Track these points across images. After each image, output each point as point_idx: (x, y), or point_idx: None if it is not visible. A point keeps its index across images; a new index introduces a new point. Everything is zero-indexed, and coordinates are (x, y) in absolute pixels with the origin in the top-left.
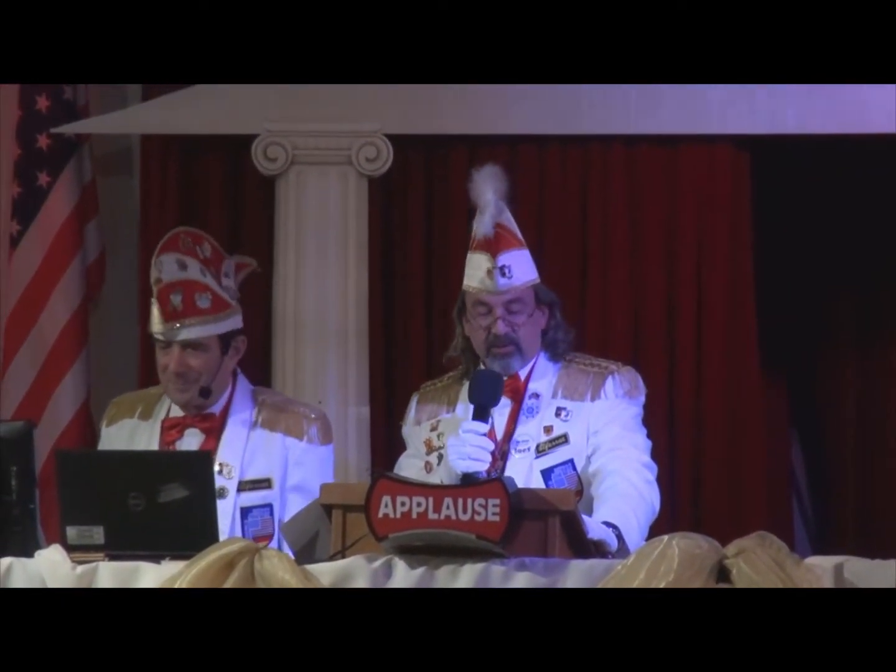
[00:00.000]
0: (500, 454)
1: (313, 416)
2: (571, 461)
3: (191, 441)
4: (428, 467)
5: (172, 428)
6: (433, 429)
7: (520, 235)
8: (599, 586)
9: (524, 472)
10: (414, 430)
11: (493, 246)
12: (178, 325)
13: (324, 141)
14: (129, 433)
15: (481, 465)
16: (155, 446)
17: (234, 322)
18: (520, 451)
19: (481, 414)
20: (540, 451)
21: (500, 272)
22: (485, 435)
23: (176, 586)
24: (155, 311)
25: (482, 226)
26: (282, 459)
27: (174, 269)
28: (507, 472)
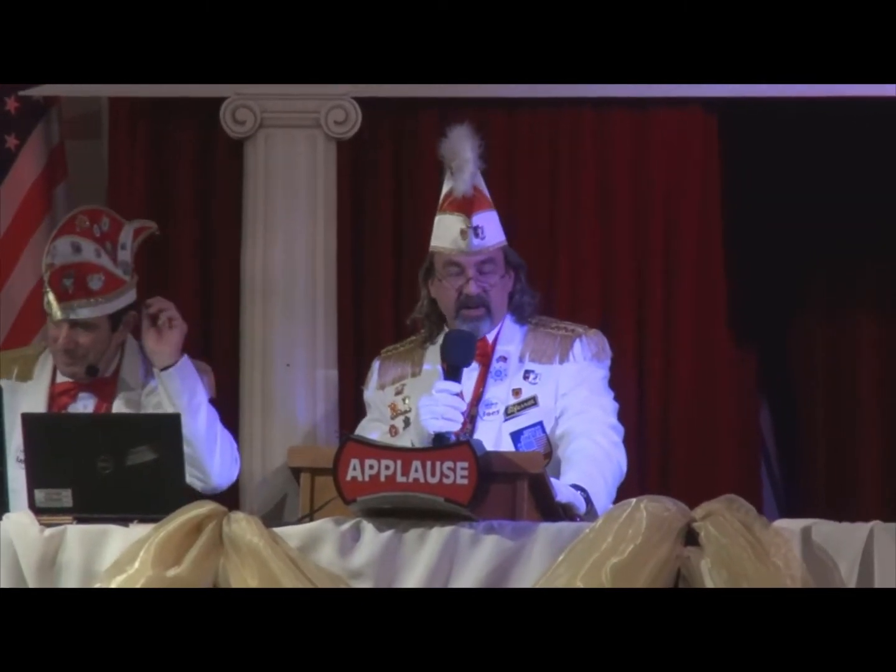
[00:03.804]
0: (469, 417)
1: (204, 368)
2: (541, 423)
3: (85, 404)
4: (393, 431)
5: (63, 394)
6: (398, 392)
7: (490, 197)
8: (567, 549)
9: (493, 434)
10: (377, 394)
11: (468, 206)
12: (69, 306)
13: (292, 104)
14: (9, 394)
15: (454, 425)
16: (42, 409)
17: (127, 298)
18: (489, 414)
19: (454, 374)
20: (509, 414)
21: (474, 233)
22: (457, 395)
23: (144, 549)
24: (49, 296)
25: (460, 184)
26: None
27: (68, 252)
28: (477, 435)
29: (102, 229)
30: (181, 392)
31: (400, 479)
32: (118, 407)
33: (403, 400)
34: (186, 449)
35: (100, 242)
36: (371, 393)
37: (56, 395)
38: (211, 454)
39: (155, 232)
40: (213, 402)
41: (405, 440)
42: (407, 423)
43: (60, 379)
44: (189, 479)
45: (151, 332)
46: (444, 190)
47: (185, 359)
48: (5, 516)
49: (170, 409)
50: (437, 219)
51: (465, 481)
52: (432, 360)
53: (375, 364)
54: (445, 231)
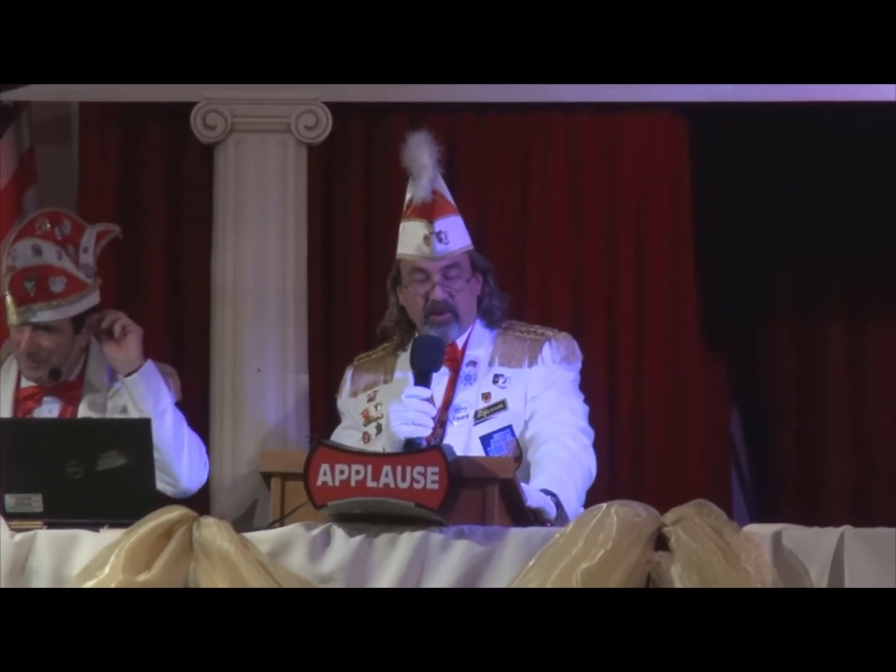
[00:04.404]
0: (440, 422)
1: (168, 371)
2: (510, 427)
3: (50, 408)
4: (366, 438)
5: (28, 398)
6: (370, 399)
7: (453, 202)
8: (538, 554)
9: (463, 439)
10: (350, 401)
11: (429, 212)
12: (30, 308)
13: (263, 109)
14: None
15: (424, 431)
16: (7, 414)
17: (90, 301)
18: (458, 419)
19: (423, 379)
20: (478, 418)
21: (437, 238)
22: (427, 400)
23: (114, 555)
24: (8, 299)
25: (420, 190)
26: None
27: (28, 254)
28: (447, 440)
29: (64, 232)
30: (146, 397)
31: (370, 484)
32: (83, 410)
33: (376, 407)
34: (154, 454)
35: (61, 245)
36: (344, 400)
37: (21, 399)
38: (179, 458)
39: (118, 235)
40: (179, 405)
41: (377, 447)
42: (379, 429)
43: (25, 384)
44: (159, 485)
45: (110, 344)
46: (407, 197)
47: (149, 363)
48: None
49: (135, 415)
50: (401, 226)
51: (436, 486)
52: (404, 367)
53: (348, 372)
54: (409, 238)
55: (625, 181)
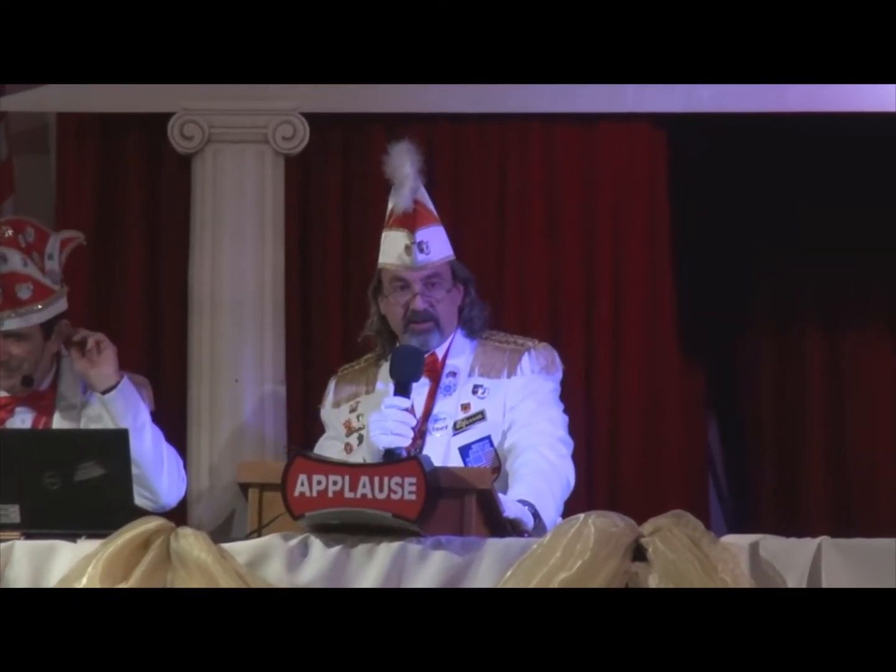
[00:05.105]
0: (419, 433)
1: (141, 381)
2: (489, 438)
3: (23, 419)
4: (348, 448)
5: (0, 409)
6: (352, 410)
7: (435, 212)
8: (516, 564)
9: (442, 449)
10: (332, 412)
11: (411, 222)
12: None
13: (240, 119)
14: None
15: (403, 441)
16: None
17: (58, 307)
18: (438, 429)
19: (402, 389)
20: (457, 429)
21: (419, 248)
22: (406, 410)
23: (92, 565)
24: None
25: (401, 200)
26: None
27: None
28: (426, 450)
29: (28, 240)
30: (125, 413)
31: (348, 494)
32: (57, 421)
33: (357, 417)
34: (134, 469)
35: (26, 252)
36: (327, 411)
37: None
38: (159, 473)
39: (82, 242)
40: (154, 414)
41: (359, 457)
42: (361, 440)
43: None
44: (138, 500)
45: (84, 361)
46: (389, 206)
47: (126, 379)
48: None
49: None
50: (383, 235)
51: (414, 497)
52: (385, 377)
53: (332, 382)
54: (391, 247)
55: (602, 191)
